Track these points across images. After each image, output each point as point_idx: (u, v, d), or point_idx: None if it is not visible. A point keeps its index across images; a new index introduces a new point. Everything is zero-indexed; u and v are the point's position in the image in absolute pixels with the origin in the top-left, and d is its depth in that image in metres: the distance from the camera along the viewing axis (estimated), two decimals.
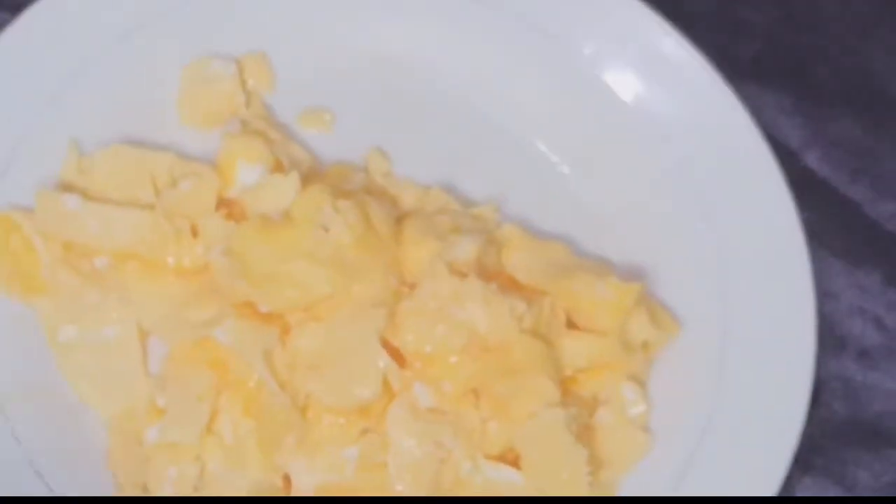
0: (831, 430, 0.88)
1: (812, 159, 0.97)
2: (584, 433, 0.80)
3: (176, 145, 0.88)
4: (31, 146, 0.85)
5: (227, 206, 0.84)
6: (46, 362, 0.81)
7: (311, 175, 0.87)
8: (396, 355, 0.79)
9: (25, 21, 0.87)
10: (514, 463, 0.79)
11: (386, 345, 0.79)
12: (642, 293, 0.83)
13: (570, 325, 0.83)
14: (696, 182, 0.88)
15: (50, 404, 0.80)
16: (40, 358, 0.81)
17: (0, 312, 0.81)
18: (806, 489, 0.86)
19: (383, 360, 0.78)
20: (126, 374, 0.81)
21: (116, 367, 0.81)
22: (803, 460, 0.83)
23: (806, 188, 0.91)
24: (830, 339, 0.90)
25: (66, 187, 0.84)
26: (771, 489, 0.79)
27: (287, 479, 0.79)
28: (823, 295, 0.89)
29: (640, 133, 0.90)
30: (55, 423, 0.79)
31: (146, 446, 0.79)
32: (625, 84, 0.91)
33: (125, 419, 0.80)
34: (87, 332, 0.81)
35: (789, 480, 0.80)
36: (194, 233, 0.83)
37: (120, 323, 0.82)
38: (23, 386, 0.79)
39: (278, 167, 0.86)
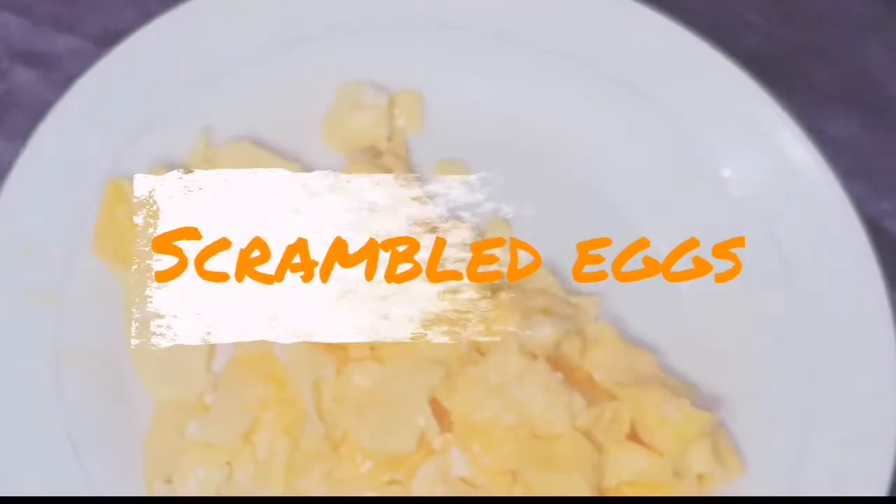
0: None
1: None
2: None
3: (306, 159, 0.88)
4: (169, 122, 0.87)
5: None
6: (115, 334, 0.81)
7: None
8: (445, 417, 0.77)
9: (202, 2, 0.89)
10: None
11: (436, 405, 0.77)
12: (713, 425, 0.79)
13: (634, 436, 0.80)
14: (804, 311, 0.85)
15: (103, 375, 0.80)
16: (110, 328, 0.81)
17: (89, 273, 0.82)
18: None
19: (424, 418, 0.76)
20: (190, 364, 0.81)
21: (183, 355, 0.81)
22: None
23: None
24: None
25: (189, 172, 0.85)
26: None
27: None
28: None
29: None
30: (102, 395, 0.80)
31: (184, 440, 0.79)
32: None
33: (174, 407, 0.80)
34: None
35: None
36: None
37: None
38: (83, 351, 0.80)
39: None
